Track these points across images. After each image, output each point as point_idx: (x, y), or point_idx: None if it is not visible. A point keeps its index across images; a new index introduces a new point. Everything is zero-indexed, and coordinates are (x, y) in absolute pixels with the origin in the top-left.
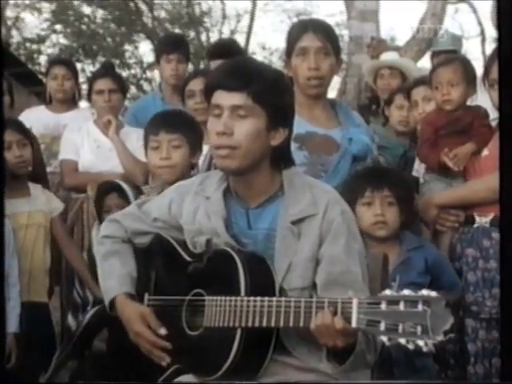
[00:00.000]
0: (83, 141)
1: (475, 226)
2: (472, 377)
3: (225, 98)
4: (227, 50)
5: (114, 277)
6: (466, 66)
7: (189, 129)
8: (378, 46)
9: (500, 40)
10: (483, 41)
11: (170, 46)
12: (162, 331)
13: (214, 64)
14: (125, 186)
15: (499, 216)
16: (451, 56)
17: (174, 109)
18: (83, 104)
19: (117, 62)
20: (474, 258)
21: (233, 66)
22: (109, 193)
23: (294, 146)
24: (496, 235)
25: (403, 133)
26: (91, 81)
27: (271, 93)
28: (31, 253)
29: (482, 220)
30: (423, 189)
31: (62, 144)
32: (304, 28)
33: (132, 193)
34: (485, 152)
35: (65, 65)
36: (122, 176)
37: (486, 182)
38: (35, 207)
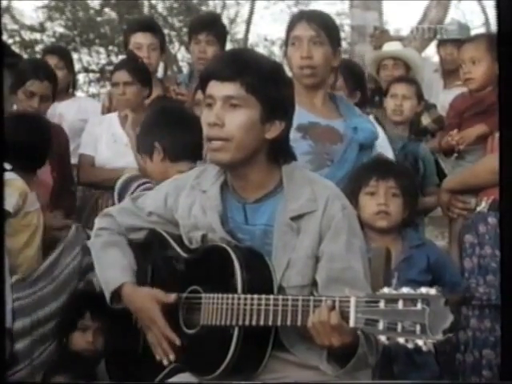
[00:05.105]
0: (102, 134)
1: (476, 211)
2: (459, 365)
3: (217, 89)
4: (209, 23)
5: (116, 267)
6: (492, 41)
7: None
8: (381, 35)
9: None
10: (488, 30)
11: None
12: (172, 298)
13: (194, 39)
14: None
15: (498, 200)
16: (479, 33)
17: (177, 107)
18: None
19: (115, 49)
20: (471, 244)
21: (228, 55)
22: None
23: (297, 135)
24: (492, 220)
25: (399, 123)
26: (111, 72)
27: (267, 84)
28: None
29: (482, 204)
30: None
31: (84, 137)
32: (299, 17)
33: None
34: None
35: (57, 54)
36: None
37: (485, 164)
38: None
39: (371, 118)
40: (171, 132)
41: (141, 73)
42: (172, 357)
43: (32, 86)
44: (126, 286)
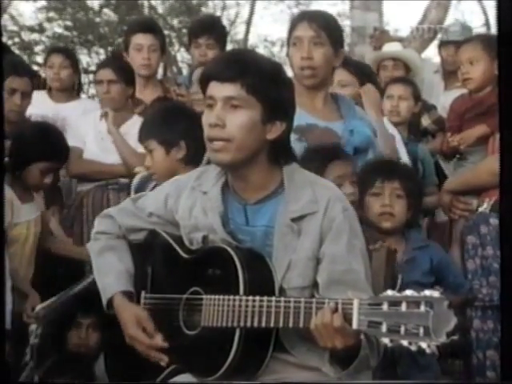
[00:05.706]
0: (89, 130)
1: (477, 212)
2: (462, 367)
3: (218, 89)
4: (209, 26)
5: (112, 273)
6: (488, 42)
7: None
8: (381, 36)
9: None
10: (488, 30)
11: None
12: (159, 338)
13: (194, 43)
14: None
15: (499, 201)
16: (476, 34)
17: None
18: (83, 95)
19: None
20: (473, 245)
21: (228, 56)
22: None
23: (293, 137)
24: (494, 221)
25: (396, 124)
26: (95, 70)
27: (267, 84)
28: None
29: (484, 205)
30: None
31: (69, 131)
32: (301, 17)
33: None
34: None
35: (62, 53)
36: (123, 168)
37: (486, 165)
38: (36, 214)
39: (385, 119)
40: (198, 138)
41: (125, 72)
42: (166, 359)
43: (13, 82)
44: (117, 297)
